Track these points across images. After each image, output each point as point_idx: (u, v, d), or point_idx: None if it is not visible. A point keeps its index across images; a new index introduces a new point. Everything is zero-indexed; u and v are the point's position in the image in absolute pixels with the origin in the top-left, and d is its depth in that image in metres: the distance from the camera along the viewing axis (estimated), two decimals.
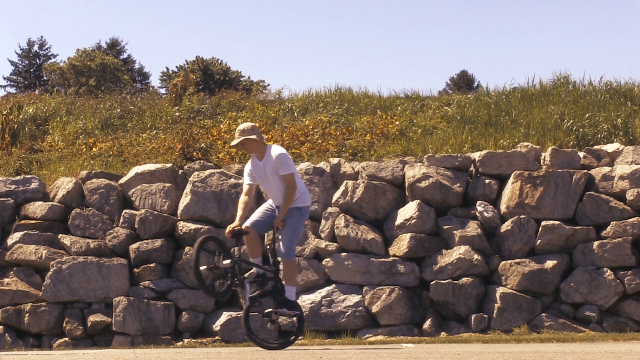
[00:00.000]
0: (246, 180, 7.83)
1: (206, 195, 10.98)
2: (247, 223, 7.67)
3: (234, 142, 7.83)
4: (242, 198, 7.75)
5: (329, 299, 10.38)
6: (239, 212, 7.65)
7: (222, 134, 13.30)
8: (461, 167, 11.00)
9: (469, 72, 44.30)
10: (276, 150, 7.70)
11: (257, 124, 13.44)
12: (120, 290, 10.57)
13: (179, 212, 11.07)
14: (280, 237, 7.65)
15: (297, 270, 7.82)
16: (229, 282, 7.57)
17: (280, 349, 7.53)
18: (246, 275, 7.85)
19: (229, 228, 7.63)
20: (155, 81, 45.02)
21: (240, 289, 7.73)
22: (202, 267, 7.43)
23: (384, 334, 10.12)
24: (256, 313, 8.98)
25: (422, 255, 10.51)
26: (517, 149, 11.31)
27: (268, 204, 7.89)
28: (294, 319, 7.92)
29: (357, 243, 10.49)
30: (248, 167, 7.86)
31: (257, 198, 10.30)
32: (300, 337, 8.01)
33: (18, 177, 11.73)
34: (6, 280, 10.79)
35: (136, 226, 10.96)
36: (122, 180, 11.54)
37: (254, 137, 7.66)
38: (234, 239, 7.76)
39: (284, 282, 7.73)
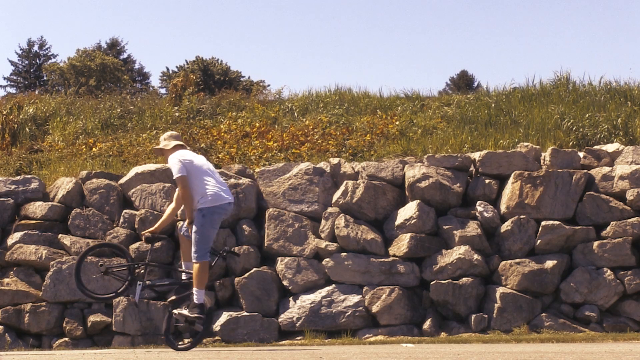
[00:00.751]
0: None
1: None
2: (182, 230, 8.27)
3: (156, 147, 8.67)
4: (171, 204, 8.54)
5: (329, 299, 10.38)
6: (162, 218, 8.45)
7: (222, 134, 13.31)
8: (461, 167, 11.00)
9: (469, 72, 44.38)
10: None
11: (257, 124, 13.44)
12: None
13: (178, 212, 11.04)
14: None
15: (205, 273, 7.86)
16: (121, 285, 8.26)
17: (186, 350, 7.88)
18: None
19: (143, 233, 8.35)
20: (155, 81, 45.07)
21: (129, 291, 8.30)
22: (96, 275, 8.43)
23: (384, 334, 10.12)
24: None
25: (422, 255, 10.51)
26: (517, 149, 11.31)
27: None
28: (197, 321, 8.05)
29: (357, 243, 10.49)
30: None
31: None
32: (207, 338, 8.58)
33: (18, 177, 11.73)
34: (6, 280, 10.79)
35: (136, 226, 10.96)
36: (122, 180, 11.54)
37: (158, 147, 8.44)
38: (148, 244, 8.41)
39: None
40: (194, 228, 7.87)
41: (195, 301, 7.82)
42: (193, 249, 7.84)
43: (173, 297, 8.09)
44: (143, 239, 8.28)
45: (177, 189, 8.24)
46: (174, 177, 8.00)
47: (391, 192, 10.95)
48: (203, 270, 7.81)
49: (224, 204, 7.98)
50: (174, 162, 7.99)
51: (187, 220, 8.06)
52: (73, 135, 14.04)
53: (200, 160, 8.23)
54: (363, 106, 14.43)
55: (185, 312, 7.87)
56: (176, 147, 8.30)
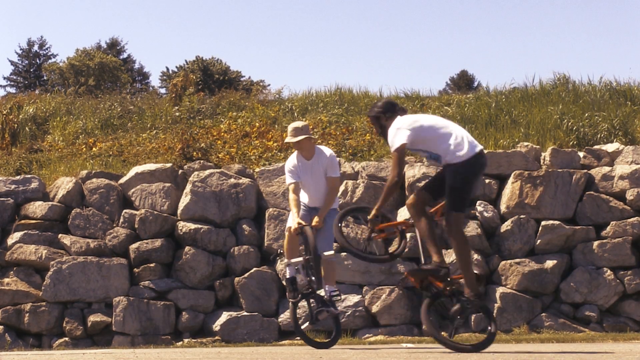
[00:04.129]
0: (291, 179, 7.89)
1: (206, 195, 10.98)
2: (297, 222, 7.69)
3: (293, 140, 7.85)
4: (292, 196, 7.83)
5: None
6: (295, 209, 7.74)
7: (222, 133, 13.30)
8: None
9: (469, 72, 44.32)
10: (328, 151, 7.91)
11: (257, 124, 13.44)
12: (120, 290, 10.57)
13: (178, 212, 11.07)
14: (319, 237, 7.68)
15: (336, 270, 7.88)
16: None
17: (325, 348, 7.71)
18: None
19: (295, 224, 7.66)
20: (155, 81, 45.05)
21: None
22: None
23: (384, 334, 10.12)
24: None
25: None
26: (517, 149, 11.31)
27: (302, 204, 7.93)
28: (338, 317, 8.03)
29: (357, 243, 10.48)
30: (291, 164, 7.93)
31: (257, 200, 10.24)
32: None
33: (18, 177, 11.72)
34: (6, 280, 10.78)
35: (136, 226, 10.96)
36: (122, 180, 11.54)
37: (309, 135, 7.88)
38: (300, 236, 7.79)
39: (324, 282, 7.80)
40: (329, 225, 7.48)
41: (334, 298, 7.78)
42: (328, 245, 7.67)
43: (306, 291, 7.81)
44: (295, 232, 7.67)
45: (292, 181, 7.82)
46: (335, 176, 7.86)
47: None
48: (335, 266, 8.16)
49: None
50: (336, 160, 7.91)
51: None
52: (73, 135, 14.03)
53: None
54: (363, 106, 14.42)
55: (332, 309, 7.74)
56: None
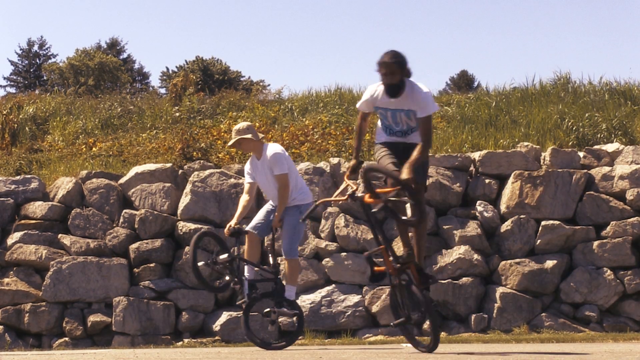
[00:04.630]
0: (246, 179, 7.92)
1: (206, 195, 10.98)
2: (249, 227, 7.75)
3: (230, 142, 7.96)
4: (243, 197, 7.89)
5: (328, 299, 10.38)
6: (239, 211, 7.79)
7: (222, 134, 13.30)
8: (461, 167, 11.00)
9: (469, 72, 44.29)
10: (271, 149, 7.72)
11: (256, 124, 13.44)
12: (120, 290, 10.57)
13: (178, 212, 11.07)
14: (281, 236, 7.66)
15: (298, 270, 7.78)
16: (227, 278, 7.64)
17: (280, 349, 7.53)
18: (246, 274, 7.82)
19: (227, 227, 7.74)
20: (155, 81, 45.06)
21: (239, 286, 7.75)
22: (200, 263, 7.50)
23: (383, 334, 10.12)
24: (255, 313, 8.96)
25: None
26: (517, 149, 11.31)
27: (269, 204, 7.91)
28: (294, 318, 7.89)
29: (357, 243, 10.49)
30: (247, 166, 7.95)
31: (259, 198, 10.26)
32: (300, 337, 7.97)
33: (18, 177, 11.73)
34: (6, 280, 10.78)
35: (136, 226, 10.96)
36: (122, 180, 11.54)
37: (249, 136, 7.73)
38: (233, 238, 7.78)
39: (284, 282, 7.73)
40: (289, 224, 7.57)
41: (290, 298, 7.62)
42: (286, 246, 7.56)
43: (255, 294, 7.63)
44: (227, 233, 7.75)
45: (246, 182, 7.87)
46: (280, 173, 7.56)
47: None
48: (296, 266, 7.64)
49: (312, 201, 7.77)
50: (280, 157, 7.61)
51: (275, 218, 7.67)
52: (73, 135, 14.03)
53: None
54: None
55: (284, 309, 7.62)
56: (262, 140, 7.92)
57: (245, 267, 7.73)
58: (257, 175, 7.80)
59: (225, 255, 7.61)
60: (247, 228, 7.76)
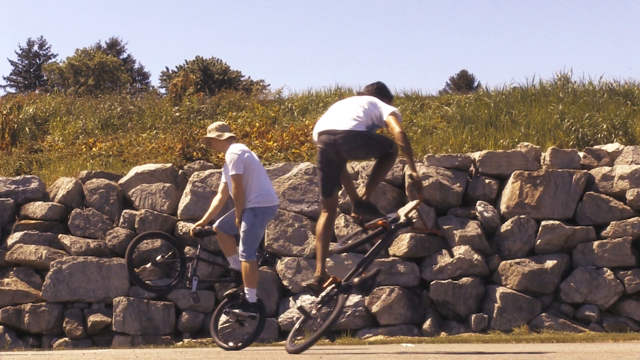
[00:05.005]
0: (222, 179, 8.05)
1: (206, 195, 10.97)
2: (215, 224, 7.91)
3: (201, 141, 8.13)
4: (216, 196, 8.07)
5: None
6: (209, 210, 8.02)
7: None
8: (461, 167, 11.00)
9: (469, 72, 44.32)
10: (230, 149, 7.70)
11: (256, 124, 13.44)
12: (120, 290, 10.57)
13: (178, 212, 11.07)
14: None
15: (254, 272, 7.56)
16: (174, 277, 8.11)
17: (236, 350, 7.53)
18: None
19: (192, 226, 8.05)
20: (155, 81, 45.05)
21: (188, 284, 8.02)
22: (148, 265, 8.39)
23: (384, 334, 10.12)
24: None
25: (422, 255, 10.51)
26: (517, 149, 11.31)
27: None
28: (249, 319, 7.80)
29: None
30: (223, 166, 8.05)
31: None
32: (255, 339, 8.03)
33: (18, 177, 11.73)
34: (6, 280, 10.78)
35: (136, 226, 10.96)
36: (122, 180, 11.54)
37: (213, 135, 7.87)
38: (197, 237, 8.11)
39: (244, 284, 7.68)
40: (244, 226, 7.53)
41: (248, 300, 7.57)
42: (241, 248, 7.53)
43: (230, 292, 7.73)
44: (192, 234, 7.95)
45: (223, 181, 7.93)
46: (230, 174, 7.55)
47: (391, 192, 10.94)
48: (253, 269, 7.53)
49: (274, 205, 7.72)
50: (235, 158, 7.56)
51: (235, 218, 7.71)
52: (73, 135, 14.03)
53: (255, 156, 7.90)
54: None
55: (237, 310, 7.61)
56: (230, 139, 7.88)
57: (230, 260, 7.94)
58: (225, 175, 7.89)
59: (159, 257, 8.16)
60: (214, 225, 7.91)
